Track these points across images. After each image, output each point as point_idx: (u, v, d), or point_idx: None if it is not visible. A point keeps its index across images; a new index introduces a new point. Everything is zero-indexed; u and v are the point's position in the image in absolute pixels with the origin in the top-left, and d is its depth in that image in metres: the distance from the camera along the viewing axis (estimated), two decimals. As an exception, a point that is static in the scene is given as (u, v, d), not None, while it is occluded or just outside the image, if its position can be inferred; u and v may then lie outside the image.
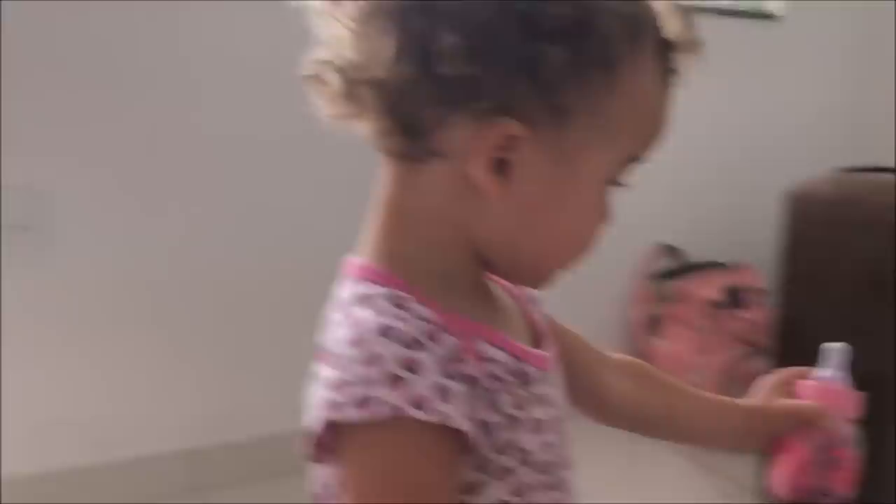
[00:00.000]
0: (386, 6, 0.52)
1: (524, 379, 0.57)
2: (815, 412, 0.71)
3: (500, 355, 0.56)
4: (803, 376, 0.74)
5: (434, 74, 0.51)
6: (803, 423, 0.71)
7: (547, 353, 0.62)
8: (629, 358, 0.77)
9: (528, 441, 0.57)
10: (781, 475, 0.70)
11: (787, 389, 0.74)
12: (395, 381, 0.50)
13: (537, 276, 0.61)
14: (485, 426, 0.54)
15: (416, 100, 0.53)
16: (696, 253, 2.35)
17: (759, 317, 2.12)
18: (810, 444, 0.70)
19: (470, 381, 0.53)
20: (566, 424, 0.63)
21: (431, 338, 0.52)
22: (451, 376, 0.51)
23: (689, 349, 2.17)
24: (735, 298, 2.20)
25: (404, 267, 0.56)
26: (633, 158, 0.58)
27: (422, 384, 0.50)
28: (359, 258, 0.58)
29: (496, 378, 0.55)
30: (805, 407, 0.71)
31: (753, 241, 2.13)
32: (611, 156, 0.57)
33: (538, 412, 0.58)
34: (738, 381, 2.11)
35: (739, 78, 2.22)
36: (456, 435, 0.51)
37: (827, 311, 1.57)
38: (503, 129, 0.53)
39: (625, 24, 0.54)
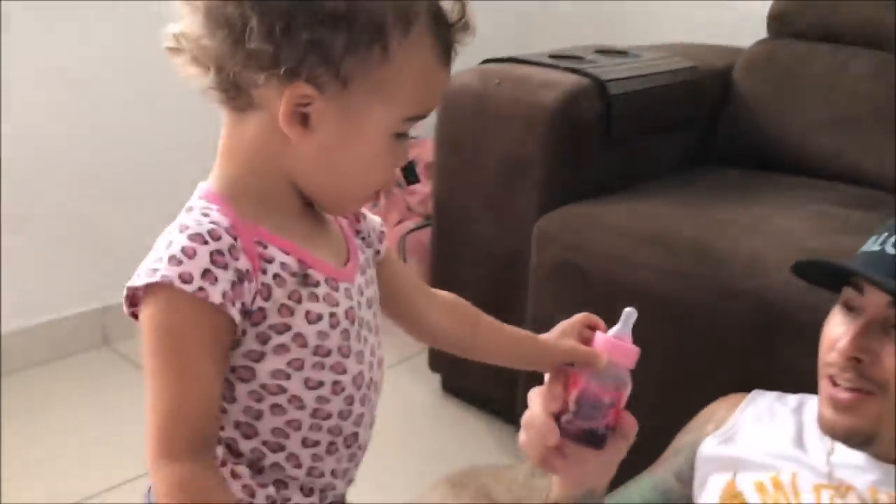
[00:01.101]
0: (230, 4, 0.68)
1: (305, 280, 0.74)
2: (590, 356, 0.87)
3: (284, 258, 0.73)
4: (594, 324, 0.92)
5: (245, 47, 0.67)
6: (580, 363, 0.87)
7: (344, 269, 0.78)
8: (452, 296, 0.94)
9: (303, 327, 0.73)
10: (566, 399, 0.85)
11: (579, 331, 0.92)
12: (174, 261, 0.68)
13: (339, 207, 0.79)
14: (258, 310, 0.71)
15: (234, 65, 0.69)
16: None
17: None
18: (594, 380, 0.85)
19: (240, 273, 0.69)
20: (365, 327, 0.80)
21: (212, 236, 0.69)
22: (221, 266, 0.69)
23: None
24: (410, 173, 2.31)
25: (229, 188, 0.73)
26: (415, 117, 0.73)
27: (192, 266, 0.68)
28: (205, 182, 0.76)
29: (275, 275, 0.72)
30: (583, 351, 0.88)
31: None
32: (391, 114, 0.72)
33: (317, 307, 0.74)
34: (413, 253, 2.27)
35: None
36: (217, 310, 0.68)
37: (474, 193, 1.71)
38: (298, 90, 0.68)
39: (395, 7, 0.69)
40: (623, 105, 1.63)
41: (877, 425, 0.94)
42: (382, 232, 0.88)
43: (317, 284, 0.74)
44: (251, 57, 0.68)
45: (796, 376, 1.06)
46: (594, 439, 0.86)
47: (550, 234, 1.55)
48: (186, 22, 0.70)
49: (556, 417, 0.86)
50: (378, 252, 0.86)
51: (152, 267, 0.69)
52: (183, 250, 0.68)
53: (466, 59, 1.79)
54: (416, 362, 2.07)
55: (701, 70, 1.84)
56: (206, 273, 0.68)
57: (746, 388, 1.16)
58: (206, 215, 0.71)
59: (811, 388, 1.01)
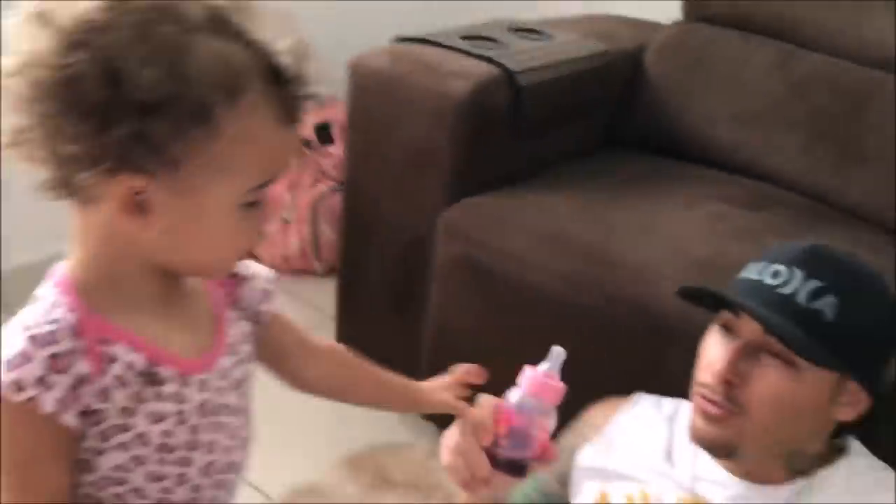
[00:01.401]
0: (36, 104, 0.66)
1: (152, 378, 0.73)
2: (459, 410, 0.94)
3: (131, 357, 0.72)
4: (474, 378, 0.99)
5: (63, 153, 0.65)
6: (455, 414, 0.94)
7: (200, 358, 0.77)
8: (332, 346, 0.98)
9: (145, 427, 0.73)
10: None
11: (457, 388, 0.98)
12: (10, 365, 0.68)
13: (206, 275, 0.78)
14: (96, 412, 0.71)
15: (55, 166, 0.67)
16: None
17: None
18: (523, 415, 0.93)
19: (80, 376, 0.69)
20: (224, 412, 0.80)
21: (53, 339, 0.69)
22: (58, 371, 0.68)
23: (279, 187, 2.26)
24: (324, 134, 2.30)
25: (83, 273, 0.72)
26: (263, 184, 0.71)
27: (26, 372, 0.68)
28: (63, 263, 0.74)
29: (116, 377, 0.71)
30: (454, 405, 0.95)
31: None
32: (233, 188, 0.70)
33: (163, 407, 0.74)
34: (326, 220, 2.27)
35: None
36: (49, 418, 0.68)
37: (383, 177, 1.72)
38: (127, 183, 0.66)
39: (218, 81, 0.65)
40: (533, 95, 1.65)
41: (739, 440, 1.02)
42: (267, 291, 0.86)
43: (163, 383, 0.74)
44: (69, 158, 0.66)
45: (677, 382, 1.12)
46: (519, 469, 0.94)
47: (454, 229, 1.58)
48: (13, 118, 0.67)
49: (485, 448, 0.93)
50: (259, 315, 0.86)
51: None
52: (21, 354, 0.68)
53: (380, 31, 1.78)
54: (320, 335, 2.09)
55: (612, 54, 1.86)
56: (40, 380, 0.68)
57: (629, 392, 1.23)
58: (50, 311, 0.70)
59: (689, 393, 1.08)
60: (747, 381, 1.01)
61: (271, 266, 2.43)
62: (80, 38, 0.64)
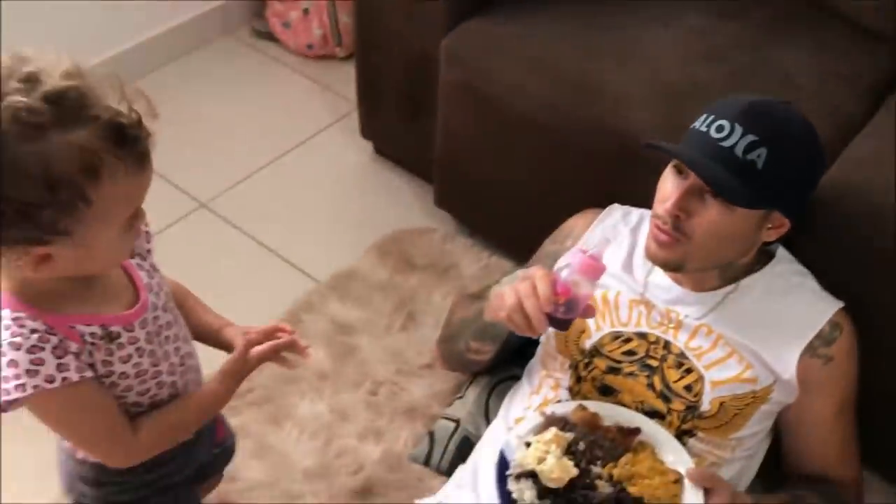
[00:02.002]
0: None
1: (110, 337, 1.00)
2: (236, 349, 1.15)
3: (92, 329, 0.98)
4: (281, 331, 1.19)
5: None
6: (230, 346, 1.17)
7: (133, 308, 1.03)
8: (178, 284, 1.21)
9: (122, 367, 1.02)
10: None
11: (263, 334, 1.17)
12: (31, 373, 0.93)
13: (105, 273, 1.01)
14: (94, 366, 0.99)
15: None
16: None
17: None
18: (575, 289, 1.17)
19: (76, 352, 0.96)
20: (166, 328, 1.08)
21: (43, 341, 0.93)
22: (63, 356, 0.94)
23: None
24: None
25: (21, 294, 0.94)
26: (132, 216, 0.93)
27: (48, 368, 0.93)
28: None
29: (91, 343, 0.98)
30: (237, 344, 1.15)
31: None
32: (112, 226, 0.91)
33: (126, 351, 1.01)
34: (342, 5, 2.40)
35: None
36: (80, 382, 0.95)
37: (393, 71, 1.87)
38: (34, 254, 0.89)
39: (80, 168, 0.84)
40: None
41: (683, 260, 1.30)
42: (148, 232, 1.10)
43: (119, 336, 1.00)
44: None
45: (644, 197, 1.36)
46: (566, 325, 1.21)
47: (454, 56, 1.74)
48: None
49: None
50: (149, 253, 1.10)
51: (20, 383, 0.92)
52: (31, 362, 0.92)
53: None
54: (348, 124, 2.31)
55: None
56: (57, 368, 0.93)
57: (604, 205, 1.49)
58: (22, 327, 0.92)
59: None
60: (692, 215, 1.25)
61: (296, 54, 2.65)
62: None
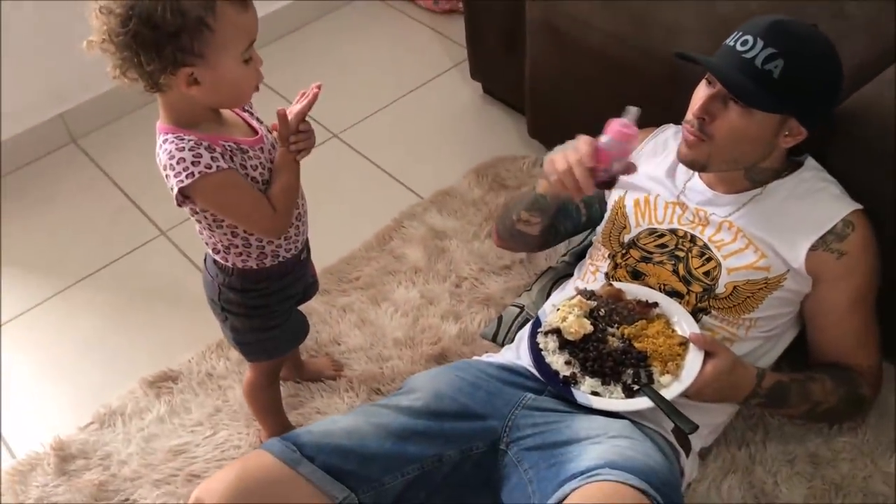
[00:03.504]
0: (122, 52, 1.22)
1: (242, 150, 1.34)
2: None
3: (228, 144, 1.32)
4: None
5: (146, 70, 1.22)
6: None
7: (253, 138, 1.37)
8: None
9: (252, 173, 1.36)
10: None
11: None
12: (197, 164, 1.26)
13: (236, 106, 1.38)
14: (239, 166, 1.33)
15: (148, 77, 1.23)
16: None
17: None
18: (614, 151, 1.37)
19: (221, 152, 1.29)
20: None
21: (198, 145, 1.27)
22: (212, 153, 1.28)
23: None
24: None
25: (176, 122, 1.30)
26: (247, 47, 1.25)
27: (205, 159, 1.27)
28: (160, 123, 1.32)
29: (231, 151, 1.32)
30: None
31: None
32: (233, 54, 1.24)
33: (254, 160, 1.36)
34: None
35: None
36: (229, 169, 1.29)
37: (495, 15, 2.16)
38: (184, 73, 1.23)
39: (200, 3, 1.18)
40: None
41: (707, 160, 1.47)
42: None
43: (247, 151, 1.34)
44: (151, 72, 1.22)
45: None
46: (609, 185, 1.42)
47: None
48: (114, 61, 1.24)
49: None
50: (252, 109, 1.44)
51: (188, 171, 1.25)
52: (194, 157, 1.26)
53: None
54: (463, 68, 2.61)
55: None
56: (212, 159, 1.26)
57: (661, 123, 1.69)
58: (181, 139, 1.26)
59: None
60: (715, 118, 1.43)
61: (426, 9, 3.00)
62: (127, 14, 1.17)
